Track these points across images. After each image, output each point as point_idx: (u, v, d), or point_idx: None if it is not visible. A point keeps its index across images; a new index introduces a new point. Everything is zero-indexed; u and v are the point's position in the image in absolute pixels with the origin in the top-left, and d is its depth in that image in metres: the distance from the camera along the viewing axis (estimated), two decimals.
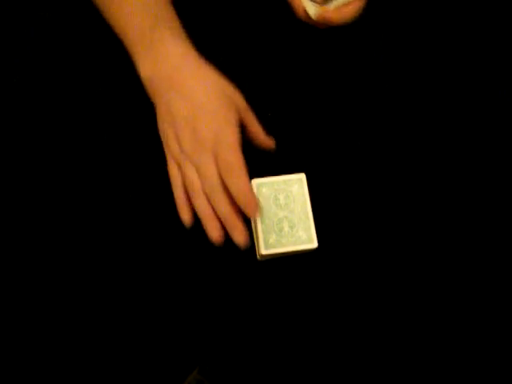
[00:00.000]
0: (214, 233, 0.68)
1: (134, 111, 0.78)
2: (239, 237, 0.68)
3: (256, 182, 0.74)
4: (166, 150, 0.71)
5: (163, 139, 0.70)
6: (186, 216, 0.70)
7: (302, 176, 0.75)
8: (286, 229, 0.72)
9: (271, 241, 0.72)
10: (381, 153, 0.82)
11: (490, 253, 0.80)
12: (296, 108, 0.84)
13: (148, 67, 0.69)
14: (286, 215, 0.73)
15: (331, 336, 0.77)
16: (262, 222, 0.73)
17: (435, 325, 0.78)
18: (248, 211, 0.68)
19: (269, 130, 0.76)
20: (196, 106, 0.66)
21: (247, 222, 0.71)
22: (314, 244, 0.72)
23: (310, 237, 0.72)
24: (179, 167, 0.69)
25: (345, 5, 0.76)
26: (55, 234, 0.79)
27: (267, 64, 0.85)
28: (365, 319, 0.78)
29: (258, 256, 0.75)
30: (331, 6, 0.77)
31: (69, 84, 0.83)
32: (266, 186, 0.74)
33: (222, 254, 0.75)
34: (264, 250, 0.72)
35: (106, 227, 0.79)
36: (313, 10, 0.77)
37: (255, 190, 0.74)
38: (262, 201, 0.74)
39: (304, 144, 0.82)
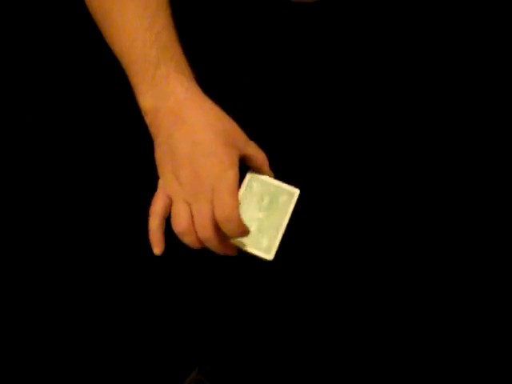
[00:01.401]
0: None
1: (132, 113, 0.78)
2: (232, 255, 0.71)
3: (251, 175, 0.74)
4: (160, 180, 0.70)
5: (159, 169, 0.70)
6: (158, 249, 0.71)
7: (296, 192, 0.74)
8: (253, 229, 0.71)
9: None
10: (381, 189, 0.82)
11: (489, 253, 0.80)
12: (298, 121, 0.84)
13: (150, 100, 0.68)
14: (260, 217, 0.72)
15: (330, 336, 0.77)
16: None
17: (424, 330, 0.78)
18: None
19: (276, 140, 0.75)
20: (197, 144, 0.66)
21: None
22: (270, 256, 0.71)
23: (269, 247, 0.71)
24: (171, 200, 0.69)
25: None
26: (54, 235, 0.78)
27: (267, 72, 0.85)
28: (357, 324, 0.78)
29: None
30: None
31: (68, 85, 0.83)
32: (258, 183, 0.74)
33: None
34: None
35: (104, 227, 0.79)
36: None
37: (247, 181, 0.74)
38: (248, 194, 0.73)
39: (306, 163, 0.82)
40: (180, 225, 0.68)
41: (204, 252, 0.76)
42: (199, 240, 0.69)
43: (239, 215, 0.66)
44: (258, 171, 0.74)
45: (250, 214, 0.72)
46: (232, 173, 0.67)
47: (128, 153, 0.80)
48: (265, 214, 0.73)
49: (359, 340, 0.77)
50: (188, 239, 0.69)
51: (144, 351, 0.76)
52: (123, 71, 0.71)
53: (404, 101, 0.85)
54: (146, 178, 0.73)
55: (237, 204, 0.66)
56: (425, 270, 0.79)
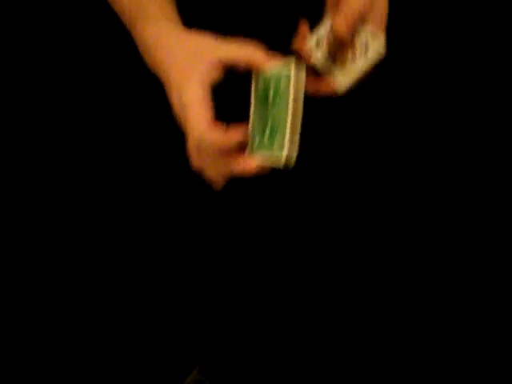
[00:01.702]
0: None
1: (133, 107, 0.78)
2: (258, 174, 0.61)
3: (254, 75, 0.61)
4: None
5: None
6: (214, 186, 0.66)
7: (291, 69, 0.56)
8: (267, 133, 0.58)
9: (255, 145, 0.58)
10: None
11: (489, 254, 0.80)
12: None
13: (146, 59, 0.69)
14: (272, 116, 0.58)
15: (330, 336, 0.77)
16: (253, 120, 0.59)
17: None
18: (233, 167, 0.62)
19: None
20: (167, 84, 0.66)
21: None
22: (280, 164, 0.56)
23: (280, 152, 0.56)
24: None
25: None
26: (54, 233, 0.79)
27: None
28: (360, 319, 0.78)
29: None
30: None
31: (69, 81, 0.83)
32: (261, 80, 0.60)
33: (219, 255, 0.75)
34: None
35: (104, 225, 0.79)
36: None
37: (253, 85, 0.61)
38: (258, 98, 0.60)
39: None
40: (190, 164, 0.65)
41: (201, 252, 0.76)
42: (216, 171, 0.63)
43: (205, 134, 0.59)
44: (260, 69, 0.62)
45: (264, 121, 0.58)
46: (188, 94, 0.62)
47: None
48: (273, 109, 0.58)
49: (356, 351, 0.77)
50: (203, 174, 0.64)
51: (144, 351, 0.76)
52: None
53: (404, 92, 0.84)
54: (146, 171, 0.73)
55: (197, 122, 0.60)
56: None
